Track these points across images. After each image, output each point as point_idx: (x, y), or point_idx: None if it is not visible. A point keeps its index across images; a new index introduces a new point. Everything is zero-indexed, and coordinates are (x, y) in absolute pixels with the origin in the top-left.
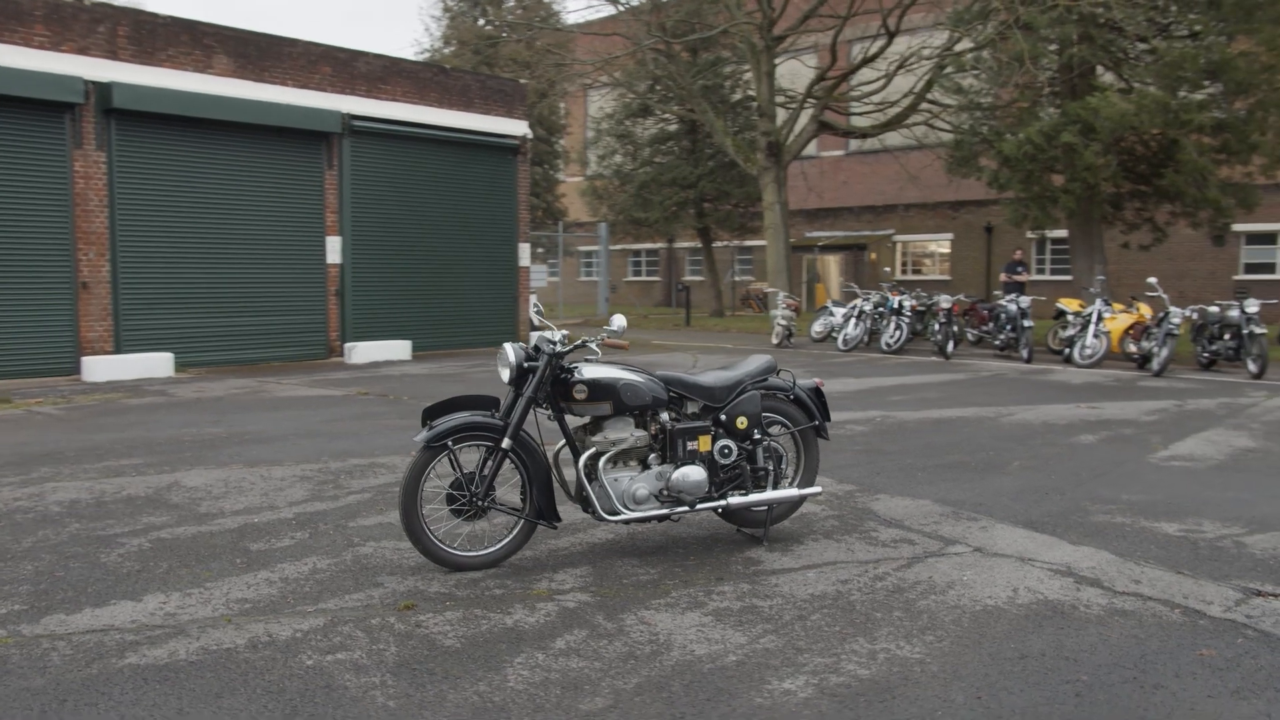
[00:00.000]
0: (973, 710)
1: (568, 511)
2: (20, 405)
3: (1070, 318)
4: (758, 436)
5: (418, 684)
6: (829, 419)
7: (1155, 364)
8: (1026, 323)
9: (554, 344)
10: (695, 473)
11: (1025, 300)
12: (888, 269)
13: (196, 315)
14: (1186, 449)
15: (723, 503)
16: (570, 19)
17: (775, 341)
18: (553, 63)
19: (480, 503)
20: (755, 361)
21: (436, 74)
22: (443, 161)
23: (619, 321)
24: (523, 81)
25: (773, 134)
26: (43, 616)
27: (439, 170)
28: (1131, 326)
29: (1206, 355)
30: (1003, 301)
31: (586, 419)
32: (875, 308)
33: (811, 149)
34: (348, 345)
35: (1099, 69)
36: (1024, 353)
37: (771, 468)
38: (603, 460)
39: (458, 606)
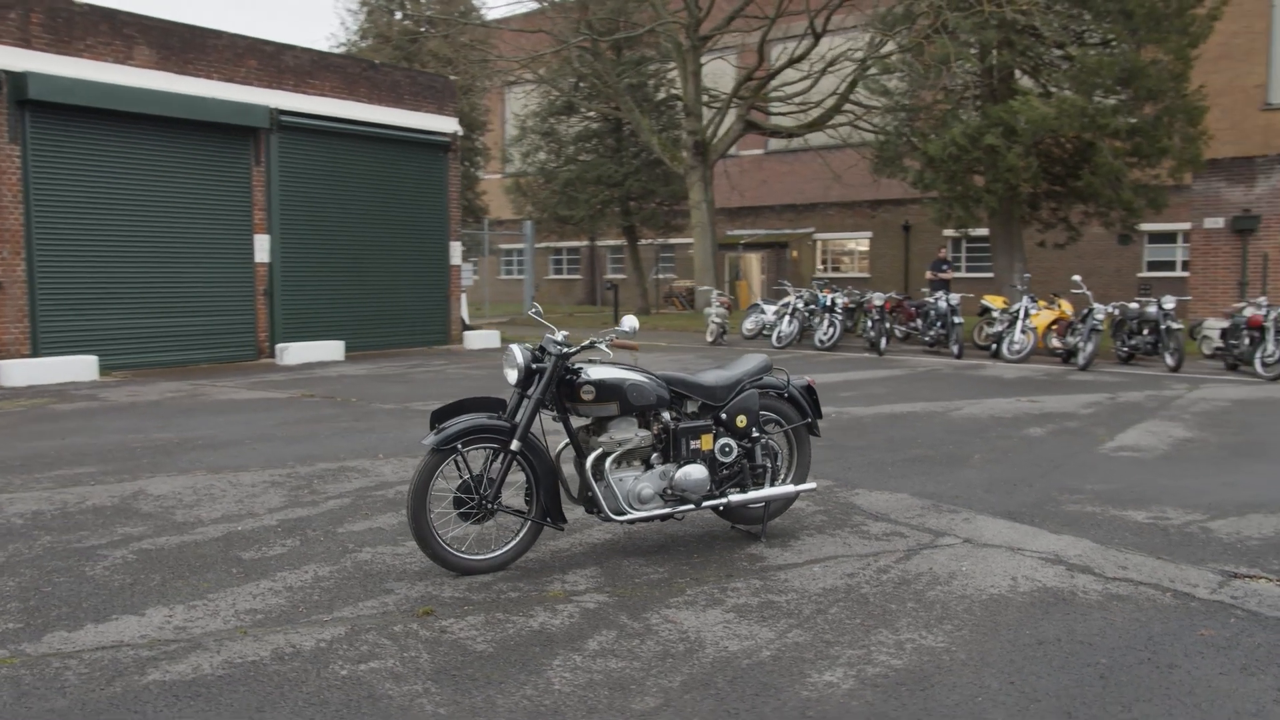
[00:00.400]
0: (1009, 695)
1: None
2: None
3: (995, 314)
4: (756, 434)
5: (462, 690)
6: (820, 416)
7: (1081, 358)
8: (957, 319)
9: (560, 345)
10: (698, 471)
11: (955, 297)
12: (821, 266)
13: (120, 316)
14: (1131, 440)
15: (725, 500)
16: (492, 14)
17: (710, 340)
18: (475, 59)
19: (490, 505)
20: (751, 361)
21: (366, 69)
22: (373, 158)
23: (630, 323)
24: (452, 78)
25: (699, 133)
26: (43, 634)
27: (369, 167)
28: (1054, 322)
29: (1125, 349)
30: (930, 299)
31: (588, 420)
32: (807, 305)
33: (732, 148)
34: (279, 346)
35: (1018, 74)
36: (955, 348)
37: (769, 465)
38: (609, 461)
39: (478, 611)
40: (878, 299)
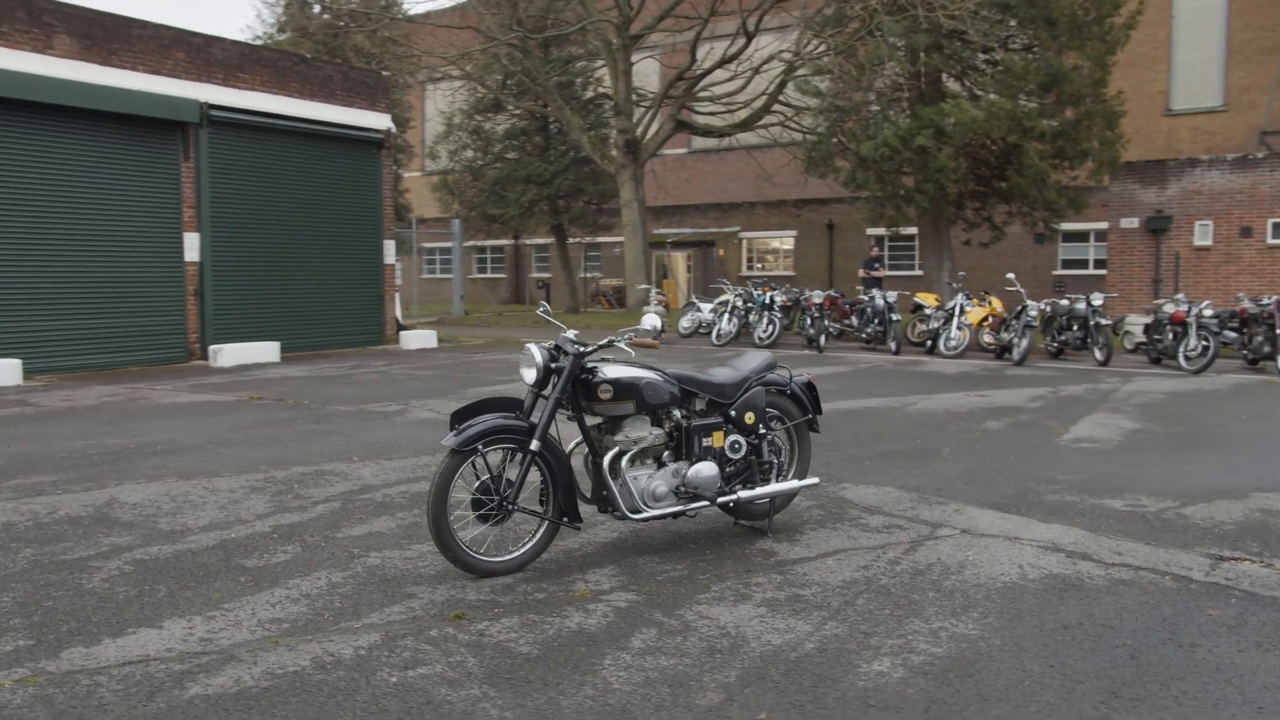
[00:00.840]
0: (1052, 677)
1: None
2: None
3: (928, 311)
4: (763, 431)
5: (521, 693)
6: (820, 412)
7: (1016, 354)
8: (894, 316)
9: (577, 344)
10: (710, 468)
11: (891, 295)
12: (760, 264)
13: (44, 318)
14: (1084, 432)
15: (735, 496)
16: (416, 9)
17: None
18: (399, 54)
19: (510, 506)
20: (757, 358)
21: (297, 63)
22: (305, 155)
23: (652, 321)
24: (385, 74)
25: (629, 131)
26: (60, 651)
27: (301, 164)
28: (984, 319)
29: (1055, 345)
30: (864, 296)
31: (599, 419)
32: (745, 303)
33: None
34: (213, 348)
35: (945, 77)
36: (892, 345)
37: (775, 461)
38: (625, 459)
39: (509, 613)
40: (817, 296)
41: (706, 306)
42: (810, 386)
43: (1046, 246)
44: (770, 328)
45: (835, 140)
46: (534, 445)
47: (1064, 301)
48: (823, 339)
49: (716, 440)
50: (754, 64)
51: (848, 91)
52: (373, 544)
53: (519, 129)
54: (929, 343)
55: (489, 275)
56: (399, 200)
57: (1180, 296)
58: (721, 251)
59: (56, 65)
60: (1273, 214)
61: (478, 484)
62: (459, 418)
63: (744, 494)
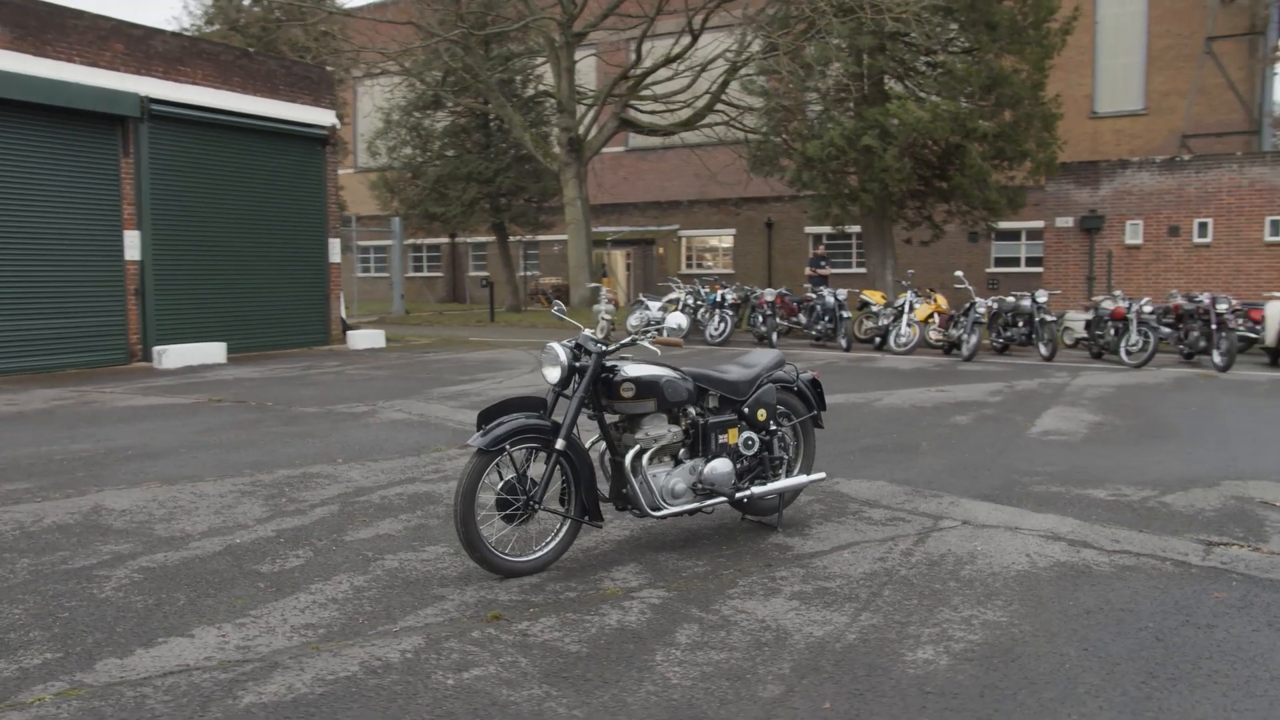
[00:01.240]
0: (1089, 660)
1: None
2: None
3: (875, 308)
4: (774, 427)
5: (583, 691)
6: (825, 408)
7: (966, 350)
8: (845, 314)
9: (599, 343)
10: (725, 465)
11: (842, 293)
12: (699, 263)
13: None
14: (1050, 425)
15: (749, 492)
16: (349, 3)
17: (600, 337)
18: (337, 49)
19: (536, 506)
20: (767, 356)
21: (239, 57)
22: (248, 151)
23: (677, 319)
24: (330, 69)
25: (572, 129)
26: (93, 663)
27: (245, 160)
28: (930, 316)
29: (1001, 340)
30: (811, 294)
31: (617, 417)
32: (695, 301)
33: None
34: (157, 349)
35: (886, 78)
36: (843, 342)
37: (785, 457)
38: (646, 457)
39: (546, 612)
40: (769, 295)
41: (655, 305)
42: (815, 383)
43: (980, 245)
44: (722, 325)
45: (780, 140)
46: (559, 444)
47: (1010, 298)
48: (774, 336)
49: (732, 437)
50: (698, 63)
51: (793, 92)
52: (385, 547)
53: (459, 126)
54: (877, 339)
55: (426, 274)
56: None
57: (1119, 293)
58: (661, 250)
59: None
60: (1199, 214)
61: (502, 484)
62: (485, 418)
63: (757, 490)
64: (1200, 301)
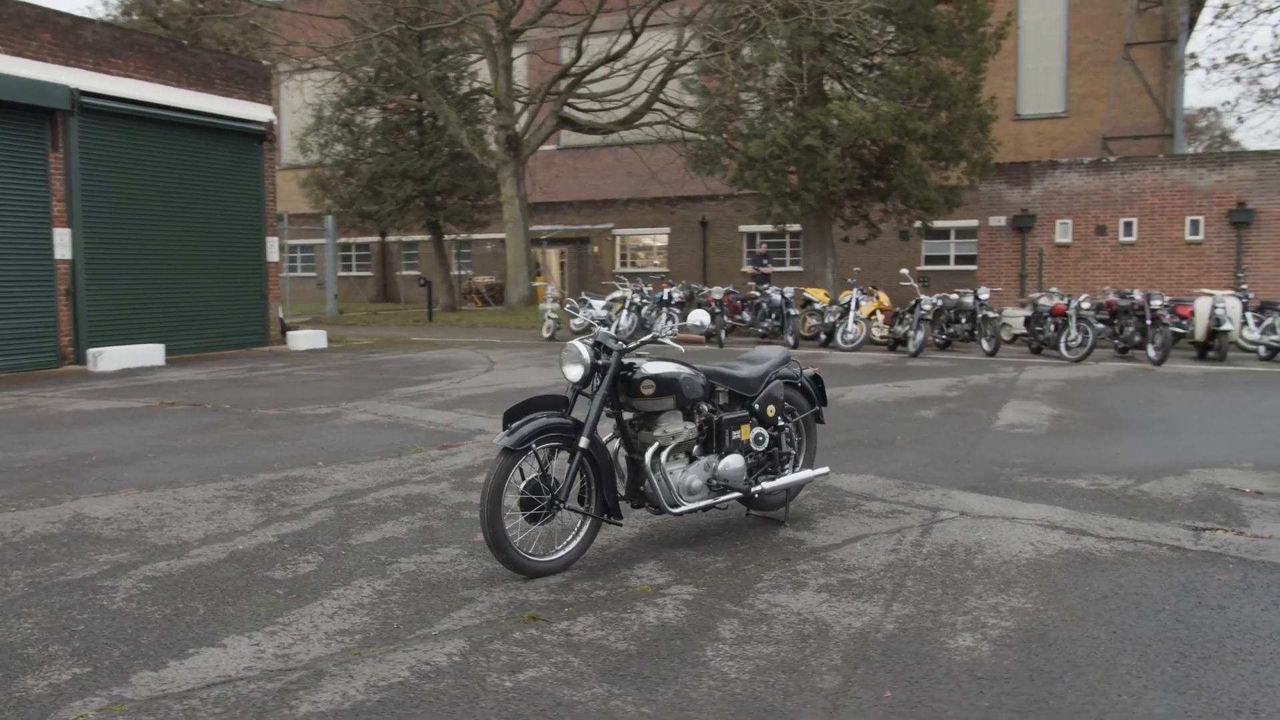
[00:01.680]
0: (1121, 642)
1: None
2: None
3: (819, 306)
4: (781, 423)
5: (644, 688)
6: (826, 404)
7: (912, 346)
8: (791, 311)
9: (619, 341)
10: (738, 461)
11: (788, 291)
12: (633, 261)
13: None
14: (1013, 418)
15: (760, 487)
16: None
17: (546, 335)
18: (262, 42)
19: (560, 504)
20: (774, 353)
21: (173, 49)
22: (183, 147)
23: (700, 316)
24: (265, 63)
25: (509, 127)
26: (128, 676)
27: (179, 156)
28: (873, 312)
29: (944, 337)
30: (755, 292)
31: (633, 415)
32: (642, 299)
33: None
34: (92, 351)
35: (825, 79)
36: (790, 339)
37: (791, 452)
38: (664, 454)
39: (581, 611)
40: (717, 292)
41: (599, 303)
42: (817, 379)
43: (911, 243)
44: (670, 324)
45: (722, 139)
46: (583, 442)
47: (954, 296)
48: (723, 334)
49: (744, 433)
50: (637, 61)
51: (732, 91)
52: (395, 550)
53: (392, 123)
54: (823, 336)
55: (356, 273)
56: None
57: (1056, 290)
58: (596, 248)
59: None
60: (1124, 214)
61: (525, 483)
62: (510, 417)
63: (767, 485)
64: (1133, 298)
